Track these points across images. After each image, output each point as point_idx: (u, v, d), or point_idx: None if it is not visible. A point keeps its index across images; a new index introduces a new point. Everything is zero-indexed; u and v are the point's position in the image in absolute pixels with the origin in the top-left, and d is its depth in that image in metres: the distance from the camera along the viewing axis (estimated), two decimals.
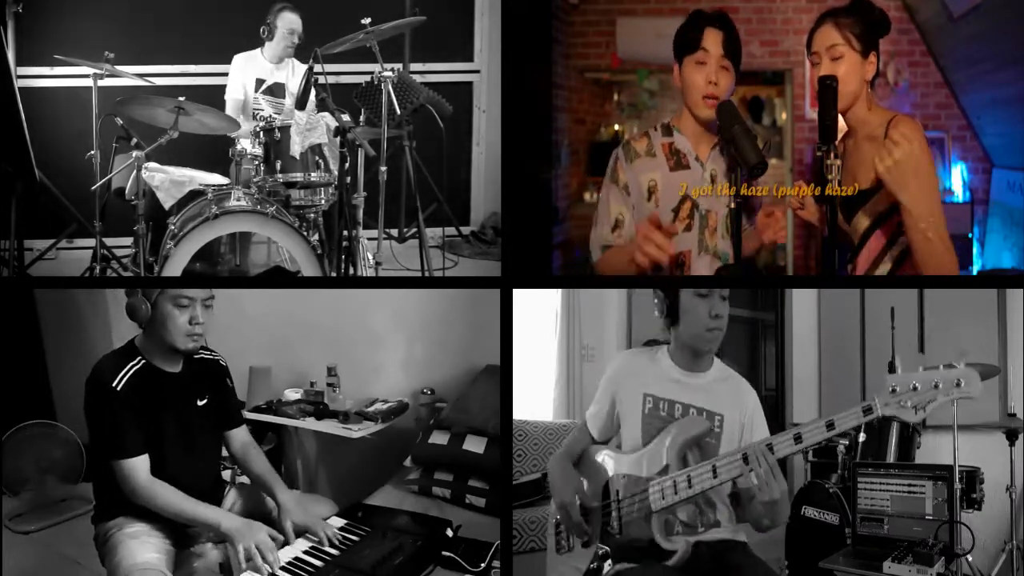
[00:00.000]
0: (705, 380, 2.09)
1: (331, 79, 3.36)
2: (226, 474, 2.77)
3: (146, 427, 2.16)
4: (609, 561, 2.01)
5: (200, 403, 2.34)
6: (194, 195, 3.26)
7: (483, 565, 2.22)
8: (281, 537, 2.20)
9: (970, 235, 4.24)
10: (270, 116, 3.50)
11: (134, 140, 3.29)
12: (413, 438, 3.14)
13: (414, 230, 4.20)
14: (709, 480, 1.93)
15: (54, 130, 4.15)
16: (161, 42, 4.34)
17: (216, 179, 3.45)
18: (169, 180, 3.28)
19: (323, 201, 3.39)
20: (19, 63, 4.15)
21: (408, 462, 3.07)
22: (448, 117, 4.03)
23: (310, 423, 3.31)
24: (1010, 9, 3.54)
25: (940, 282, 2.31)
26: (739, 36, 2.38)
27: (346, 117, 3.28)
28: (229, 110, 3.85)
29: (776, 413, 4.19)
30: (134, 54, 4.06)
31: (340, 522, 2.40)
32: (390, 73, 3.49)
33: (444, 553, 2.25)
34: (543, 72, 4.22)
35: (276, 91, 3.90)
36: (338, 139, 3.19)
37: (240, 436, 2.48)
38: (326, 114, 3.36)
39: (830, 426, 1.82)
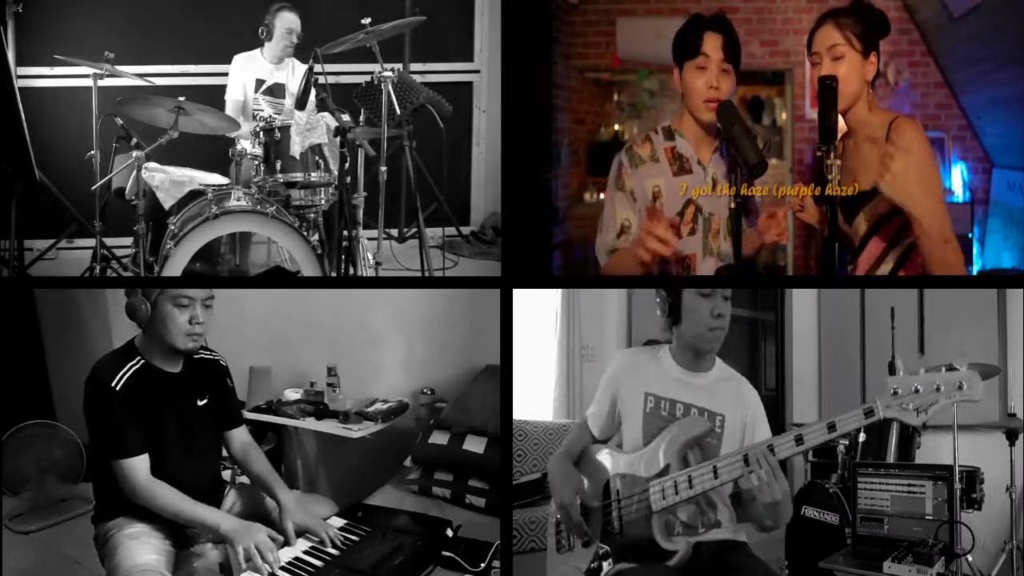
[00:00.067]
0: (707, 380, 2.09)
1: (331, 79, 3.36)
2: (226, 474, 2.76)
3: (146, 427, 2.16)
4: (609, 561, 2.01)
5: (200, 403, 2.34)
6: (194, 195, 3.26)
7: (483, 565, 2.22)
8: (281, 537, 2.20)
9: (970, 235, 4.24)
10: (270, 116, 3.50)
11: (134, 140, 3.29)
12: (413, 438, 3.14)
13: (414, 230, 4.20)
14: (710, 481, 1.93)
15: (54, 130, 4.14)
16: (161, 42, 4.34)
17: (216, 179, 3.45)
18: (169, 180, 3.28)
19: (323, 201, 3.39)
20: (19, 63, 4.14)
21: (408, 462, 3.06)
22: (448, 117, 4.02)
23: (310, 423, 3.31)
24: (1010, 9, 3.54)
25: (940, 282, 2.31)
26: (738, 38, 2.38)
27: (346, 117, 3.28)
28: (229, 110, 3.85)
29: (776, 413, 4.18)
30: (134, 54, 4.06)
31: (340, 522, 2.40)
32: (390, 73, 3.49)
33: (444, 553, 2.24)
34: (543, 72, 4.22)
35: (276, 91, 3.89)
36: (338, 139, 3.19)
37: (240, 436, 2.48)
38: (326, 114, 3.36)
39: (831, 428, 1.82)
